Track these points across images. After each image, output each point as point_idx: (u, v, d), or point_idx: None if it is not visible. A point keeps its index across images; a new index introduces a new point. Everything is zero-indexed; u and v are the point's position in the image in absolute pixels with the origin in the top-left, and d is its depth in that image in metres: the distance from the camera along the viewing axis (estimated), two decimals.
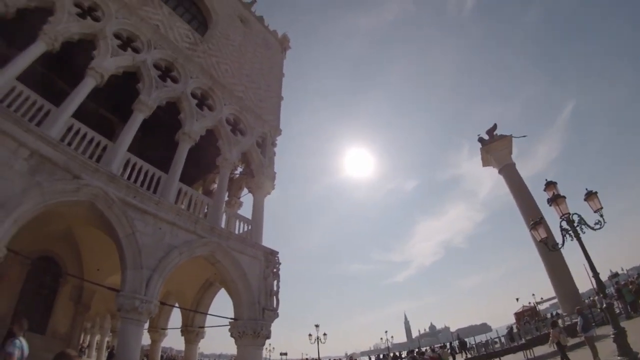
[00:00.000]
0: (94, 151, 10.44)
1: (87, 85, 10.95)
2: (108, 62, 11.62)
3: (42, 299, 14.30)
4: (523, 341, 22.99)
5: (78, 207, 9.37)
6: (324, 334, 36.09)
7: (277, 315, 12.04)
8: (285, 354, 43.24)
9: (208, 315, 14.54)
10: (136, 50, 13.01)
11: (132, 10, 13.56)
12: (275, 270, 12.83)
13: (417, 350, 29.42)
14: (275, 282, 12.61)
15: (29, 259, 11.99)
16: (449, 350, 28.86)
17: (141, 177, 11.07)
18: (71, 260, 14.52)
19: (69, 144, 9.73)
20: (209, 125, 14.03)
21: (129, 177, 10.69)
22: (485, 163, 35.66)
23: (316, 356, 36.41)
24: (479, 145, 34.68)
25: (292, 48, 24.06)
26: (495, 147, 33.10)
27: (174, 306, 15.62)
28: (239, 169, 17.14)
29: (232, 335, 11.51)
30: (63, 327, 15.06)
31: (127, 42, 12.97)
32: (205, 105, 14.55)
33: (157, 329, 16.77)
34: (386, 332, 60.51)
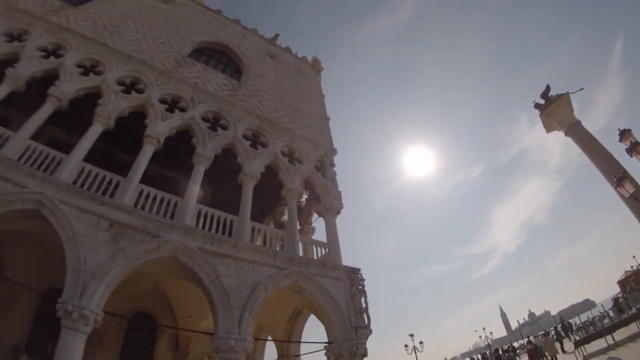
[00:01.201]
0: (167, 209, 11.33)
1: (147, 152, 12.14)
2: (161, 127, 12.81)
3: (142, 353, 15.21)
4: (633, 311, 20.10)
5: (162, 263, 10.18)
6: (420, 342, 34.29)
7: (370, 332, 11.70)
8: None
9: (302, 343, 14.41)
10: (183, 110, 14.12)
11: (170, 75, 14.92)
12: (360, 287, 12.61)
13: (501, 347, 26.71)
14: (362, 299, 12.34)
15: (125, 317, 13.05)
16: (554, 337, 26.04)
17: (214, 224, 11.74)
18: (164, 312, 15.43)
19: (142, 207, 10.81)
20: (267, 162, 14.49)
21: (203, 227, 11.44)
22: (549, 128, 33.10)
23: None
24: (537, 112, 32.31)
25: (325, 68, 24.44)
26: (554, 109, 30.66)
27: (267, 340, 15.86)
28: (305, 196, 17.32)
29: (329, 359, 11.28)
30: None
31: (173, 104, 14.20)
32: (259, 144, 15.07)
33: None
34: (484, 328, 56.90)
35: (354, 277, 12.76)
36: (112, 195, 10.57)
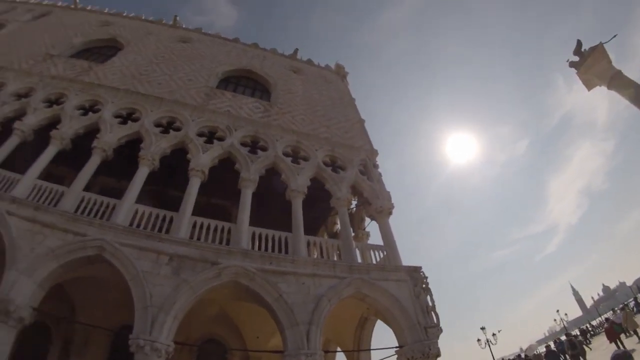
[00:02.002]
0: (222, 236, 11.58)
1: (194, 185, 12.60)
2: (203, 159, 13.29)
3: None
4: None
5: (224, 288, 10.52)
6: (493, 334, 32.45)
7: (440, 331, 11.20)
8: None
9: (372, 351, 14.05)
10: (221, 139, 14.54)
11: (203, 109, 15.56)
12: (424, 285, 12.17)
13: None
14: (428, 298, 11.90)
15: (195, 345, 13.74)
16: (634, 310, 23.80)
17: (270, 244, 11.85)
18: (232, 336, 15.61)
19: (198, 238, 11.20)
20: (311, 175, 14.51)
21: (259, 248, 11.65)
22: (589, 85, 30.93)
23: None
24: (573, 70, 30.43)
25: (351, 72, 24.76)
26: (590, 64, 28.59)
27: (336, 351, 15.69)
28: (354, 202, 17.07)
29: None
30: None
31: (210, 135, 14.67)
32: (300, 158, 15.17)
33: None
34: (557, 311, 53.15)
35: (416, 277, 12.35)
36: (167, 231, 11.08)
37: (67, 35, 20.38)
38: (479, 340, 32.87)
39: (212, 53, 20.95)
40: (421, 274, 12.42)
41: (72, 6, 25.39)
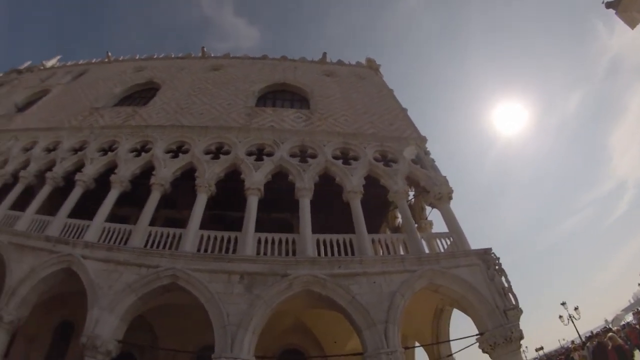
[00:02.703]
0: (287, 248, 11.79)
1: (252, 203, 12.91)
2: (257, 176, 13.63)
3: None
4: None
5: (297, 298, 10.64)
6: (576, 309, 30.43)
7: (521, 312, 10.55)
8: (541, 348, 37.82)
9: (452, 342, 13.52)
10: (270, 154, 14.84)
11: (247, 129, 16.02)
12: (497, 267, 11.54)
13: None
14: (503, 279, 11.28)
15: (274, 358, 14.10)
16: None
17: (335, 248, 11.82)
18: (309, 344, 15.71)
19: (265, 253, 11.51)
20: (364, 173, 14.41)
21: (325, 254, 11.62)
22: (632, 24, 28.86)
23: (574, 337, 30.63)
24: (611, 12, 28.41)
25: (383, 64, 24.63)
26: (628, 1, 26.75)
27: (415, 347, 15.14)
28: (411, 193, 16.61)
29: (484, 351, 10.56)
30: None
31: (259, 153, 15.00)
32: (350, 159, 15.13)
33: None
34: None
35: (487, 259, 11.81)
36: (234, 251, 11.43)
37: (107, 87, 21.91)
38: (560, 317, 31.74)
39: (244, 74, 21.60)
40: (492, 255, 11.89)
41: (106, 60, 27.38)
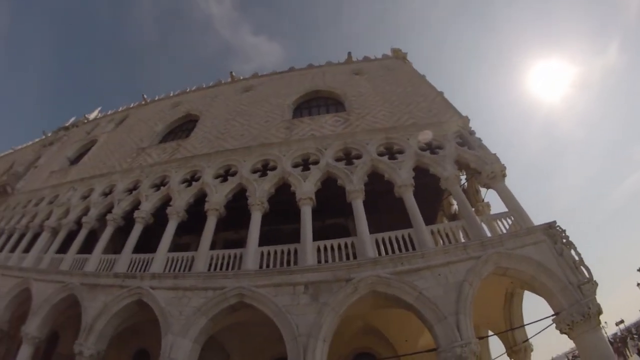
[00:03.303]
0: (347, 252, 11.78)
1: (306, 213, 13.10)
2: (307, 187, 13.85)
3: None
4: None
5: (363, 300, 10.54)
6: None
7: (596, 284, 9.89)
8: (622, 321, 37.08)
9: (527, 326, 12.96)
10: (316, 162, 15.02)
11: (288, 142, 16.38)
12: (564, 240, 10.88)
13: None
14: (572, 252, 10.64)
15: None
16: None
17: (395, 245, 11.71)
18: (380, 345, 15.61)
19: (326, 260, 11.54)
20: (412, 165, 14.23)
21: (386, 252, 11.51)
22: None
23: None
24: None
25: (408, 52, 24.50)
26: None
27: (488, 336, 14.63)
28: (463, 177, 16.16)
29: (562, 332, 9.96)
30: None
31: (305, 163, 15.23)
32: (396, 153, 14.94)
33: None
34: None
35: (553, 233, 11.20)
36: (295, 263, 11.63)
37: (148, 127, 23.30)
38: (639, 284, 30.64)
39: (275, 90, 22.15)
40: (557, 228, 11.28)
41: (143, 102, 29.25)
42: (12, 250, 18.03)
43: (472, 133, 15.61)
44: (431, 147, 15.01)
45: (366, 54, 25.32)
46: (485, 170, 13.57)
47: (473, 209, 14.20)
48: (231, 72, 26.66)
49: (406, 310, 10.50)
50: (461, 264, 10.54)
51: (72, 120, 33.59)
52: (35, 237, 17.72)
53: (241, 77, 26.60)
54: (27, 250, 17.12)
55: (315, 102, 20.42)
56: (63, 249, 15.98)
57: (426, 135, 15.35)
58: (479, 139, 15.15)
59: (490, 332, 14.45)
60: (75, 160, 24.60)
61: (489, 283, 11.09)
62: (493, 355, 16.42)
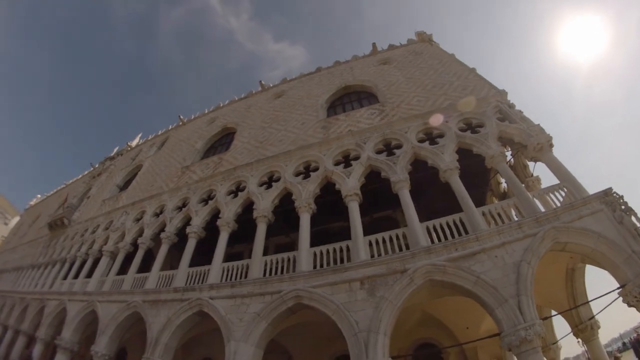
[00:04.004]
0: (399, 243, 11.79)
1: (354, 209, 13.04)
2: (351, 182, 13.86)
3: None
4: None
5: (420, 291, 10.43)
6: None
7: None
8: None
9: (591, 302, 12.42)
10: (357, 158, 15.07)
11: (327, 140, 16.50)
12: (623, 207, 10.24)
13: None
14: (633, 218, 9.98)
15: (409, 355, 15.10)
16: None
17: (447, 231, 11.53)
18: (441, 334, 15.67)
19: (378, 254, 11.54)
20: (454, 147, 13.94)
21: (438, 240, 11.39)
22: None
23: None
24: None
25: (433, 32, 23.83)
26: None
27: (552, 316, 13.76)
28: (508, 153, 15.67)
29: (630, 305, 9.28)
30: None
31: (346, 159, 15.37)
32: (436, 137, 14.72)
33: (549, 347, 15.83)
34: None
35: (610, 200, 10.57)
36: (349, 259, 11.73)
37: (189, 145, 24.19)
38: None
39: (306, 91, 22.47)
40: (614, 195, 10.66)
41: (180, 123, 30.44)
42: (75, 276, 19.40)
43: (511, 106, 15.11)
44: (471, 127, 14.67)
45: (391, 42, 25.11)
46: (530, 142, 13.09)
47: (523, 185, 13.74)
48: (260, 81, 27.30)
49: (465, 297, 10.31)
50: (517, 243, 10.22)
51: (116, 149, 35.42)
52: (96, 262, 18.99)
53: (271, 85, 27.12)
54: (89, 275, 18.42)
55: (348, 98, 20.48)
56: (123, 270, 17.06)
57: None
58: (520, 111, 14.65)
59: (553, 312, 13.93)
60: (124, 187, 25.97)
61: (548, 260, 10.78)
62: (559, 336, 16.05)
